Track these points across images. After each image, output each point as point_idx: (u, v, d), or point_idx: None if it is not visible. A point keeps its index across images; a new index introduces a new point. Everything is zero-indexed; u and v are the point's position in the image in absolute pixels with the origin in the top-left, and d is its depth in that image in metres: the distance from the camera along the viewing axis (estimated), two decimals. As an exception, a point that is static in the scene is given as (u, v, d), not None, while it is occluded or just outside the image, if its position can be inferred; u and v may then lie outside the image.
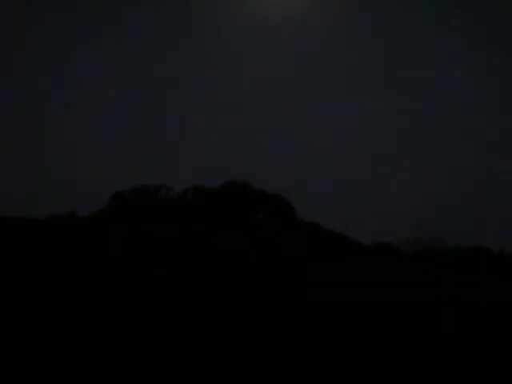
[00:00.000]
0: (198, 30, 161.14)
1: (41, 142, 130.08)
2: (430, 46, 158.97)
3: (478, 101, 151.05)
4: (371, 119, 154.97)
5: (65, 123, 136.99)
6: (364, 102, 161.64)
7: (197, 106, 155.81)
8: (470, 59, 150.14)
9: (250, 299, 52.17)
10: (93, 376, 20.37)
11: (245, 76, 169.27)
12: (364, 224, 73.00)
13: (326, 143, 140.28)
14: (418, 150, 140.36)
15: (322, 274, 54.53)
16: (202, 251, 53.79)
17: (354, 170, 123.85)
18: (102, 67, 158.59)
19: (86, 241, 54.36)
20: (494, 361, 38.13)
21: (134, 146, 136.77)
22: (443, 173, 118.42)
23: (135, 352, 28.28)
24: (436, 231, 65.26)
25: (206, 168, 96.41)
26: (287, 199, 59.70)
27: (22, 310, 46.74)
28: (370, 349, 35.39)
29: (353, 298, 53.39)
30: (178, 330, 33.58)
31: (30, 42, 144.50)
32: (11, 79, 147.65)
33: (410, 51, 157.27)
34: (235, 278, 52.00)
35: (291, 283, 52.80)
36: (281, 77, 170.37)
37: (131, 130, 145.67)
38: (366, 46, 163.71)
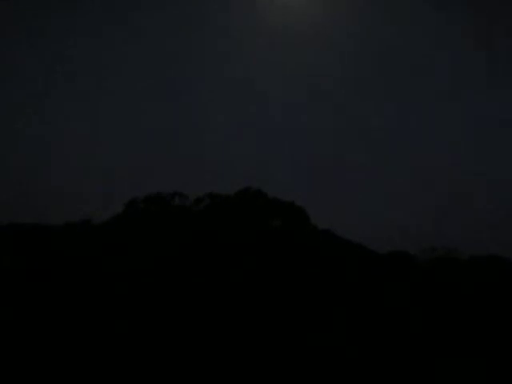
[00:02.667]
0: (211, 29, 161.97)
1: (54, 149, 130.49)
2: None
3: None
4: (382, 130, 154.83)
5: (79, 129, 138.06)
6: (371, 112, 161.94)
7: (211, 115, 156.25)
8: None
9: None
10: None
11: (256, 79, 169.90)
12: (378, 232, 72.51)
13: (339, 152, 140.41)
14: (431, 158, 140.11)
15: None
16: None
17: (369, 178, 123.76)
18: (120, 75, 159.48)
19: (100, 248, 54.19)
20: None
21: (149, 154, 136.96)
22: (457, 181, 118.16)
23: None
24: (451, 240, 64.60)
25: (220, 176, 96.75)
26: (301, 207, 59.34)
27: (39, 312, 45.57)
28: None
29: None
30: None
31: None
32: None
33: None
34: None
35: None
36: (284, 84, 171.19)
37: (147, 138, 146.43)
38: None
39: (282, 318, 48.16)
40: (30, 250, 51.33)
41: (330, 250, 56.12)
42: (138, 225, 54.65)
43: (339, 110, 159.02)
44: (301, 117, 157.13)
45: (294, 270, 51.22)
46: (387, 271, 57.53)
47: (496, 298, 54.64)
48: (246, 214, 54.85)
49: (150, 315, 48.15)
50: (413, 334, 49.73)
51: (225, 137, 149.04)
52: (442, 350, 49.03)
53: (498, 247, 63.15)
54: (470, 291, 56.22)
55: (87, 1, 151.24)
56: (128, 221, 54.88)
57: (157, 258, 51.38)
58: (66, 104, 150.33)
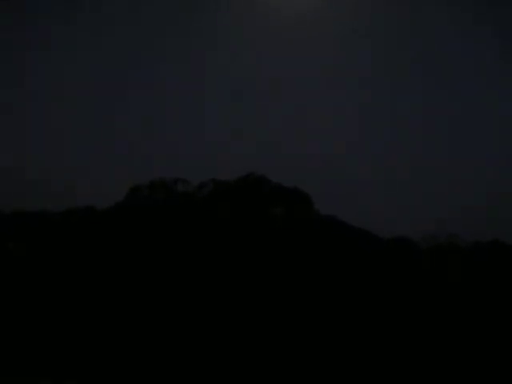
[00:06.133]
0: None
1: (57, 134, 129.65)
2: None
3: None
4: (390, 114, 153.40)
5: (81, 116, 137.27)
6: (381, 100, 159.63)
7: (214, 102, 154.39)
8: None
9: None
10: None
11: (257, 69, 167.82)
12: (381, 218, 72.51)
13: (344, 137, 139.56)
14: (434, 146, 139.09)
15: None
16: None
17: (371, 164, 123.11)
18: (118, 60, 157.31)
19: (103, 234, 54.30)
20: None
21: (151, 141, 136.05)
22: (457, 167, 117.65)
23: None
24: (453, 226, 64.37)
25: (223, 162, 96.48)
26: (304, 192, 59.01)
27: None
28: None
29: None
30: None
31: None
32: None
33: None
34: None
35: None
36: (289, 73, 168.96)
37: (151, 124, 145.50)
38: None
39: (282, 311, 48.51)
40: (32, 238, 51.52)
41: (333, 238, 56.18)
42: (143, 211, 54.67)
43: (340, 106, 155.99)
44: (303, 111, 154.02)
45: (296, 260, 51.42)
46: (390, 257, 57.70)
47: (498, 286, 54.78)
48: (249, 201, 54.69)
49: (154, 305, 48.48)
50: (414, 325, 50.07)
51: (226, 133, 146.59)
52: (444, 339, 49.46)
53: (501, 233, 63.00)
54: (472, 279, 56.32)
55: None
56: (133, 207, 54.79)
57: (161, 246, 51.47)
58: (66, 95, 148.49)
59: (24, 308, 49.28)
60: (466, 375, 48.04)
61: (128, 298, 50.51)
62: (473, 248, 60.23)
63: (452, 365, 48.79)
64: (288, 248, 54.59)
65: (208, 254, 52.57)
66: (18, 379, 39.86)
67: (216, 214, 55.02)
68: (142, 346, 48.74)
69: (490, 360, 47.90)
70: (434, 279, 57.18)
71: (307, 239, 56.10)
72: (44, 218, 52.15)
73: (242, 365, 48.05)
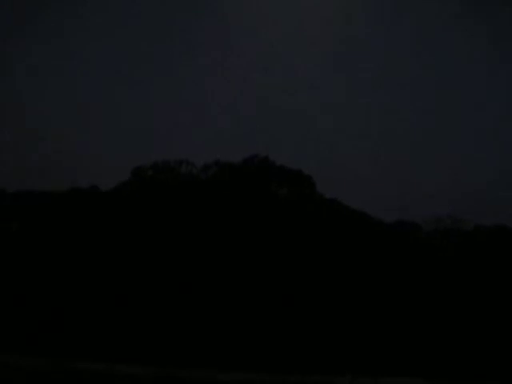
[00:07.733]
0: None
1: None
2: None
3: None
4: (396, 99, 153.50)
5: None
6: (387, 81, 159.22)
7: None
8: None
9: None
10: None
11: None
12: (385, 201, 72.67)
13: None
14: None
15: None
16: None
17: (376, 147, 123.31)
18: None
19: (107, 215, 54.15)
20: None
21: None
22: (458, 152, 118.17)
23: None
24: (457, 210, 64.49)
25: (227, 144, 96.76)
26: (308, 175, 59.05)
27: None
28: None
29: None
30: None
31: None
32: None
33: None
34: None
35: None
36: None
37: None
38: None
39: (286, 292, 48.23)
40: (37, 217, 51.36)
41: (336, 220, 56.14)
42: (147, 191, 54.60)
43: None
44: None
45: (298, 240, 51.38)
46: (393, 241, 57.64)
47: (500, 270, 54.77)
48: (253, 182, 54.68)
49: (156, 287, 48.24)
50: (416, 309, 49.90)
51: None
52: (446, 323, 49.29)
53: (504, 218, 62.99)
54: (475, 263, 56.27)
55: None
56: (137, 188, 54.69)
57: (165, 227, 51.39)
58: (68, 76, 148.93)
59: (28, 287, 48.96)
60: (466, 355, 47.93)
61: (131, 280, 50.22)
62: (476, 232, 60.33)
63: (450, 347, 48.66)
64: (292, 231, 54.53)
65: (212, 234, 52.49)
66: (18, 357, 39.39)
67: (220, 196, 54.94)
68: (144, 323, 48.38)
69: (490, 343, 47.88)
70: (437, 262, 57.08)
71: (311, 222, 56.07)
72: (47, 197, 52.00)
73: (243, 346, 47.67)
